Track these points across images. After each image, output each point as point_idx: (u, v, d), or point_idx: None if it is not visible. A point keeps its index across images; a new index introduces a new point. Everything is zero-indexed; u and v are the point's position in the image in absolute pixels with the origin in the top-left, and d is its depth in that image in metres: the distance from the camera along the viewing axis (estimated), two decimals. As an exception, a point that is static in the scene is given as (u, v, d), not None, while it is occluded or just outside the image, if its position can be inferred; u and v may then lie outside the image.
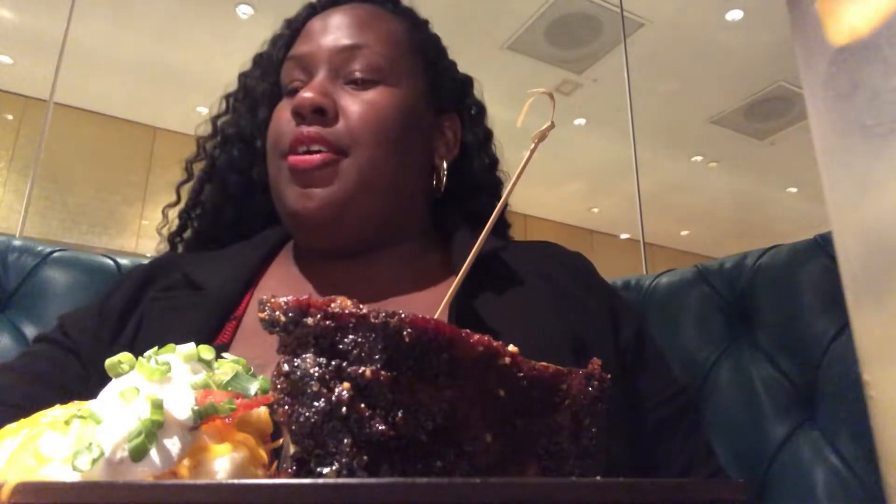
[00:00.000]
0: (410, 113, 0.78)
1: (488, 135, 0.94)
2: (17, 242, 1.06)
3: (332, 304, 0.31)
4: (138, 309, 0.74)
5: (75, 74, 3.70)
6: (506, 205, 0.93)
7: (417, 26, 0.88)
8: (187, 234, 0.90)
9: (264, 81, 0.86)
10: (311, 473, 0.28)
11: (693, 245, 6.94)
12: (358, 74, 0.76)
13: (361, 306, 0.31)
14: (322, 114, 0.73)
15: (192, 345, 0.38)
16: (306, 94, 0.72)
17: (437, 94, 0.85)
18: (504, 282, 0.73)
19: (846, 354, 0.81)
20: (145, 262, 1.00)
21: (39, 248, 1.05)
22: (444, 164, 0.85)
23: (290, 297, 0.32)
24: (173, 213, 0.93)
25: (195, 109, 4.87)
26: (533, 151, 0.45)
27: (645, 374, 0.73)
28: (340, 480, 0.27)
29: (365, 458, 0.28)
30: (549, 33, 3.99)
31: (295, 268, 0.80)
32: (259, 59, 0.90)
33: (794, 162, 5.17)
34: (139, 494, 0.24)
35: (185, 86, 4.54)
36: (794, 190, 6.06)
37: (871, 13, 0.25)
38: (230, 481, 0.29)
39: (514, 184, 0.44)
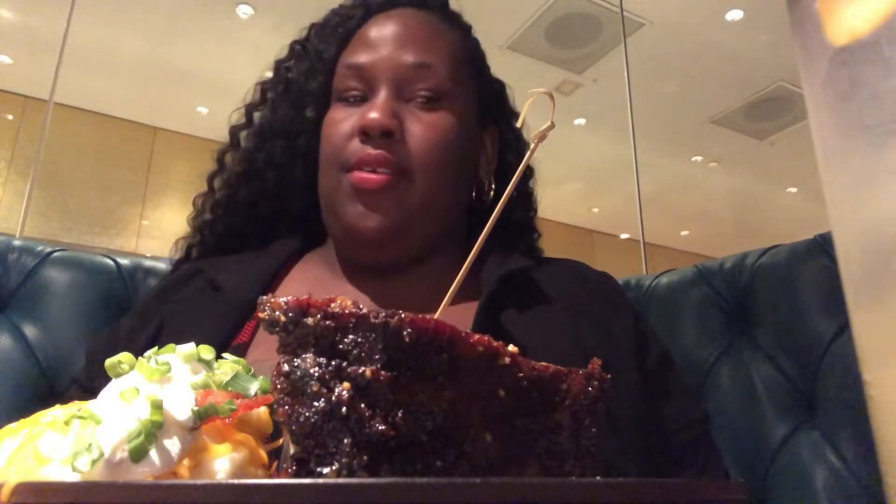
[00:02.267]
0: (465, 133, 0.79)
1: (523, 144, 0.93)
2: (17, 242, 1.06)
3: (332, 305, 0.31)
4: (155, 320, 0.74)
5: (75, 74, 3.70)
6: (533, 211, 0.94)
7: (467, 35, 0.87)
8: (219, 226, 0.88)
9: (312, 80, 0.83)
10: (311, 473, 0.28)
11: (693, 245, 6.93)
12: (423, 95, 0.75)
13: (361, 306, 0.31)
14: (389, 136, 0.72)
15: (192, 345, 0.38)
16: (374, 116, 0.72)
17: (482, 107, 0.85)
18: (531, 301, 0.73)
19: (846, 354, 0.81)
20: (146, 262, 0.98)
21: (39, 248, 1.05)
22: (491, 178, 0.84)
23: (290, 297, 0.32)
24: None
25: (195, 109, 4.88)
26: (533, 151, 0.45)
27: (668, 399, 0.73)
28: (340, 480, 0.27)
29: (365, 458, 0.28)
30: (549, 33, 3.99)
31: (319, 273, 0.80)
32: (301, 52, 0.86)
33: (794, 162, 5.16)
34: (139, 494, 0.24)
35: (185, 86, 4.54)
36: (794, 190, 6.06)
37: (871, 13, 0.25)
38: (230, 481, 0.29)
39: (514, 184, 0.44)
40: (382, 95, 0.75)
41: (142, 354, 0.69)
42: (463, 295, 0.75)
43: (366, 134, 0.72)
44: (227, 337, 0.68)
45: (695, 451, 0.72)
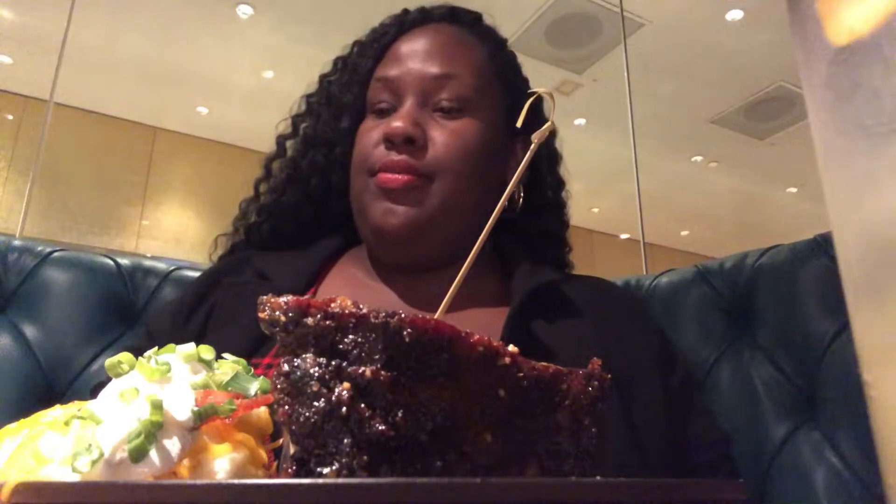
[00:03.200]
0: (491, 141, 0.82)
1: (556, 157, 0.96)
2: (17, 242, 1.06)
3: (332, 304, 0.31)
4: (210, 299, 0.80)
5: (75, 74, 3.69)
6: (565, 223, 0.96)
7: (499, 49, 0.90)
8: (264, 228, 0.93)
9: (349, 92, 0.88)
10: (311, 473, 0.28)
11: (693, 245, 6.94)
12: (446, 104, 0.79)
13: (361, 306, 0.31)
14: (411, 143, 0.76)
15: (192, 345, 0.38)
16: (398, 124, 0.76)
17: (513, 117, 0.86)
18: (560, 312, 0.76)
19: (846, 354, 0.81)
20: (146, 262, 0.99)
21: (39, 248, 1.05)
22: (521, 187, 0.87)
23: (290, 297, 0.32)
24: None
25: (195, 109, 4.88)
26: (533, 151, 0.45)
27: (691, 418, 0.76)
28: (340, 480, 0.27)
29: (365, 458, 0.28)
30: (549, 33, 3.99)
31: (357, 273, 0.84)
32: (343, 66, 0.92)
33: (794, 162, 5.17)
34: (139, 494, 0.24)
35: (185, 86, 4.54)
36: (794, 190, 6.06)
37: (871, 13, 0.25)
38: (230, 481, 0.29)
39: (514, 184, 0.44)
40: (407, 105, 0.79)
41: (195, 334, 0.76)
42: (492, 302, 0.79)
43: (390, 141, 0.77)
44: None
45: (716, 470, 0.74)
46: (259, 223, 0.93)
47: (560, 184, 0.96)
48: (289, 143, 0.95)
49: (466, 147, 0.79)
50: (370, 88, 0.85)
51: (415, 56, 0.82)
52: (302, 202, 0.91)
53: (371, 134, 0.81)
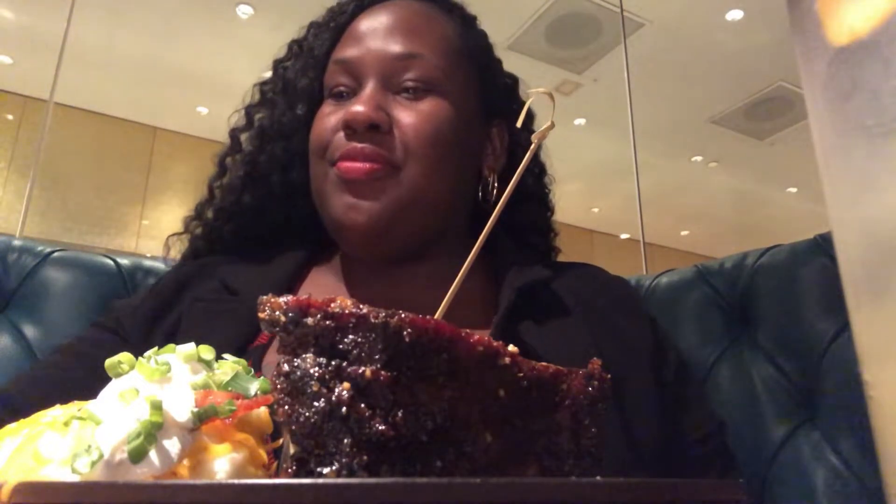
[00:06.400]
0: (463, 124, 0.75)
1: (530, 131, 0.87)
2: (17, 242, 1.06)
3: (332, 305, 0.31)
4: (175, 311, 0.73)
5: (75, 74, 3.69)
6: (550, 211, 0.92)
7: (468, 25, 0.84)
8: (226, 231, 0.84)
9: (305, 76, 0.81)
10: (311, 473, 0.28)
11: (693, 245, 6.94)
12: (411, 84, 0.73)
13: (361, 306, 0.31)
14: (375, 129, 0.70)
15: (192, 345, 0.38)
16: (359, 109, 0.69)
17: (487, 100, 0.82)
18: (549, 312, 0.72)
19: (846, 354, 0.81)
20: (146, 262, 0.95)
21: (39, 248, 1.05)
22: (495, 176, 0.81)
23: (290, 297, 0.32)
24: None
25: (195, 109, 4.88)
26: (532, 151, 0.45)
27: (686, 411, 0.73)
28: (340, 480, 0.27)
29: (365, 458, 0.28)
30: (549, 33, 3.99)
31: (334, 277, 0.79)
32: (298, 50, 0.85)
33: (794, 162, 5.17)
34: (139, 494, 0.24)
35: (185, 86, 4.54)
36: (794, 190, 6.06)
37: (871, 13, 0.25)
38: (230, 481, 0.29)
39: (514, 184, 0.44)
40: (369, 88, 0.72)
41: (161, 342, 0.69)
42: (479, 302, 0.75)
43: (351, 128, 0.70)
44: (245, 341, 0.68)
45: (712, 463, 0.72)
46: (219, 226, 0.85)
47: (541, 170, 0.91)
48: (244, 137, 0.86)
49: (437, 129, 0.71)
50: (327, 71, 0.78)
51: (375, 34, 0.75)
52: (264, 202, 0.82)
53: (328, 119, 0.74)
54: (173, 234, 0.89)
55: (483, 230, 0.82)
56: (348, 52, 0.76)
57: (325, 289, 0.77)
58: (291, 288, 0.76)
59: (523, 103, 0.88)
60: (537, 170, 0.90)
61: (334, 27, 0.80)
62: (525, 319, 0.69)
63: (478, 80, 0.80)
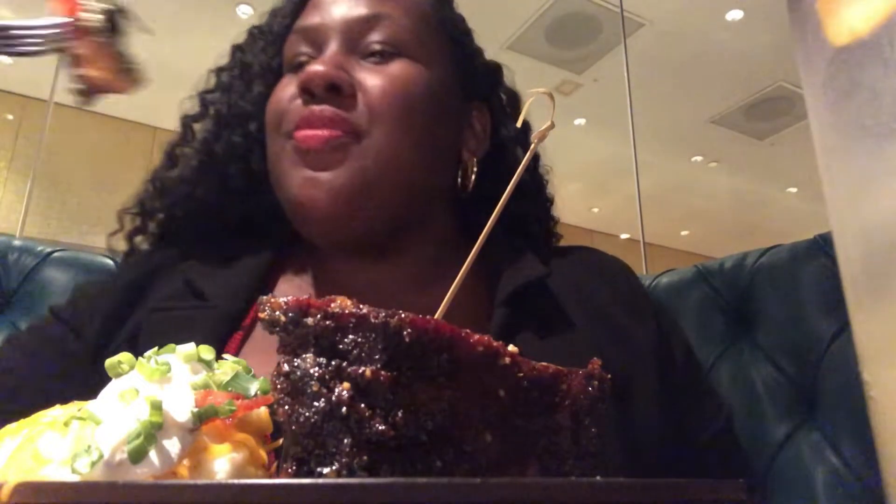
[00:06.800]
0: (438, 94, 0.69)
1: (526, 128, 0.81)
2: (17, 242, 1.06)
3: (332, 305, 0.31)
4: (132, 318, 0.67)
5: (75, 74, 3.69)
6: (549, 201, 0.87)
7: (442, 1, 0.78)
8: (183, 229, 0.77)
9: (263, 53, 0.76)
10: (311, 473, 0.28)
11: (693, 245, 6.94)
12: (377, 46, 0.67)
13: (361, 306, 0.31)
14: (337, 91, 0.63)
15: (192, 345, 0.38)
16: (317, 68, 0.63)
17: (465, 80, 0.76)
18: (547, 318, 0.66)
19: (846, 354, 0.81)
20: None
21: (39, 248, 1.05)
22: (474, 160, 0.75)
23: (290, 297, 0.32)
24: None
25: (195, 109, 4.88)
26: (532, 151, 0.45)
27: (694, 410, 0.70)
28: (340, 480, 0.27)
29: (365, 458, 0.28)
30: (549, 33, 3.99)
31: (308, 278, 0.73)
32: (257, 32, 0.79)
33: (794, 162, 5.17)
34: (139, 494, 0.24)
35: (185, 86, 4.53)
36: (794, 190, 6.06)
37: (871, 13, 0.25)
38: (230, 481, 0.29)
39: (514, 184, 0.44)
40: (330, 50, 0.67)
41: (124, 347, 0.61)
42: (471, 303, 0.68)
43: (309, 91, 0.63)
44: (216, 349, 0.64)
45: (722, 459, 0.70)
46: (170, 223, 0.78)
47: (536, 162, 0.84)
48: (197, 126, 0.79)
49: (407, 93, 0.65)
50: (286, 44, 0.72)
51: (338, 1, 0.69)
52: (221, 195, 0.75)
53: (286, 90, 0.68)
54: (111, 234, 0.80)
55: (479, 230, 0.78)
56: (310, 20, 0.70)
57: (298, 291, 0.72)
58: (261, 289, 0.69)
59: (510, 91, 0.84)
60: (533, 163, 0.85)
61: (296, 1, 0.74)
62: (523, 330, 0.64)
63: (453, 53, 0.74)
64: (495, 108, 0.81)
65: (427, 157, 0.68)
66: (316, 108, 0.63)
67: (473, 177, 0.75)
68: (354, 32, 0.67)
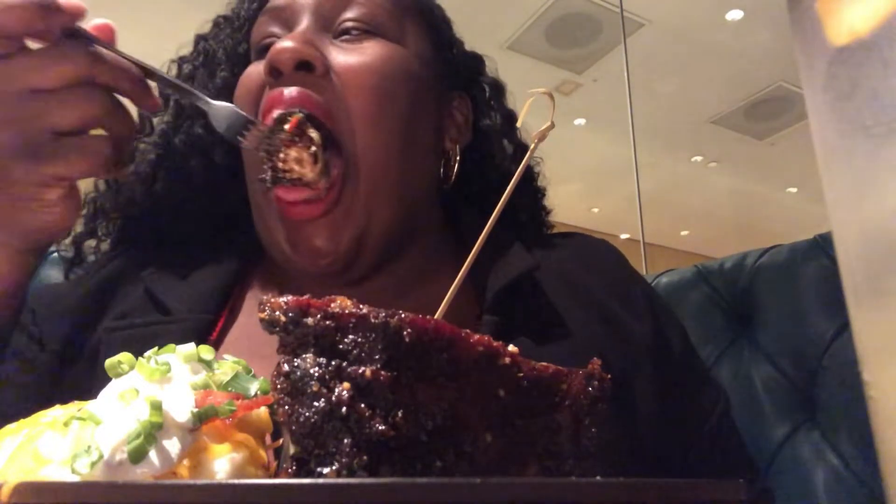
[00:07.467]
0: (415, 75, 0.65)
1: (510, 118, 0.79)
2: (17, 242, 1.05)
3: (332, 305, 0.31)
4: (93, 336, 0.62)
5: (75, 74, 3.69)
6: (541, 193, 0.83)
7: None
8: (142, 228, 0.73)
9: (229, 39, 0.72)
10: (311, 473, 0.28)
11: (693, 245, 6.94)
12: (350, 24, 0.63)
13: (361, 306, 0.31)
14: (307, 69, 0.59)
15: (192, 345, 0.38)
16: (285, 44, 0.58)
17: (444, 67, 0.72)
18: (540, 320, 0.63)
19: (846, 354, 0.81)
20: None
21: (39, 249, 1.05)
22: (457, 149, 0.72)
23: (290, 298, 0.32)
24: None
25: (195, 109, 4.88)
26: (532, 151, 0.45)
27: (691, 401, 0.68)
28: (340, 480, 0.27)
29: (365, 458, 0.28)
30: (549, 33, 3.99)
31: (281, 290, 0.67)
32: (222, 21, 0.75)
33: (794, 162, 5.17)
34: (139, 494, 0.24)
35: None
36: (794, 190, 6.07)
37: (870, 13, 0.25)
38: (230, 481, 0.29)
39: (514, 185, 0.44)
40: (300, 27, 0.62)
41: (84, 362, 0.58)
42: (460, 310, 0.64)
43: (276, 70, 0.59)
44: None
45: (723, 448, 0.69)
46: (130, 224, 0.73)
47: (520, 149, 0.80)
48: (156, 120, 0.73)
49: (383, 75, 0.61)
50: (255, 26, 0.68)
51: None
52: (181, 191, 0.70)
53: (252, 73, 0.63)
54: (61, 239, 0.74)
55: (463, 223, 0.73)
56: (277, 1, 0.66)
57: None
58: (226, 301, 0.65)
59: (493, 82, 0.81)
60: (513, 148, 0.80)
61: None
62: (519, 335, 0.61)
63: (431, 39, 0.71)
64: (477, 98, 0.78)
65: (410, 150, 0.64)
66: (284, 89, 0.59)
67: (456, 167, 0.72)
68: (326, 10, 0.63)
